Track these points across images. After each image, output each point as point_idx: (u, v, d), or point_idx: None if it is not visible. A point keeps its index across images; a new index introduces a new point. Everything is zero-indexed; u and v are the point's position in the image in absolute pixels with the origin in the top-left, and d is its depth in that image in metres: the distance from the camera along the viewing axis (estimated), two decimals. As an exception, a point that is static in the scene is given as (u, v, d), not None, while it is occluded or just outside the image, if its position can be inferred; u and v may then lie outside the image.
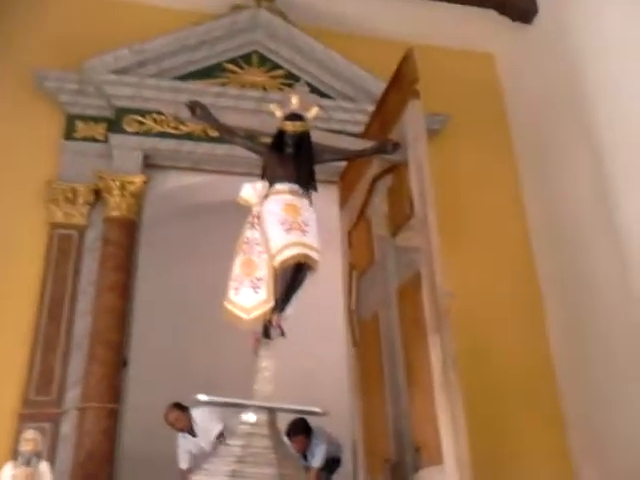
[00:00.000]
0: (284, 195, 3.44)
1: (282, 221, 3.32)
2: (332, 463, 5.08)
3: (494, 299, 5.35)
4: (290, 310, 3.41)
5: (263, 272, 3.27)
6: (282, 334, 3.32)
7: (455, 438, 3.07)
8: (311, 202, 3.54)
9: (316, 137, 3.76)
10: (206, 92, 5.40)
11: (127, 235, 4.95)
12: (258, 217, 3.41)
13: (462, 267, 5.35)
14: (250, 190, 3.50)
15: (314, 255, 3.32)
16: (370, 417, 4.25)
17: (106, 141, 5.21)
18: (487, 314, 5.25)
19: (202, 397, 3.05)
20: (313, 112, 3.64)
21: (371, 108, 4.91)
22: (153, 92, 5.30)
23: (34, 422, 4.15)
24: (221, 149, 5.22)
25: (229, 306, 3.27)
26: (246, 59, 5.80)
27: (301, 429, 4.88)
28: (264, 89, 5.67)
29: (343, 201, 5.34)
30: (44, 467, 3.77)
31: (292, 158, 3.53)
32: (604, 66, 5.06)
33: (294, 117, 3.56)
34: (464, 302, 5.08)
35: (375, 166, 4.62)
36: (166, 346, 5.64)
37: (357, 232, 4.94)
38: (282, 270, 3.28)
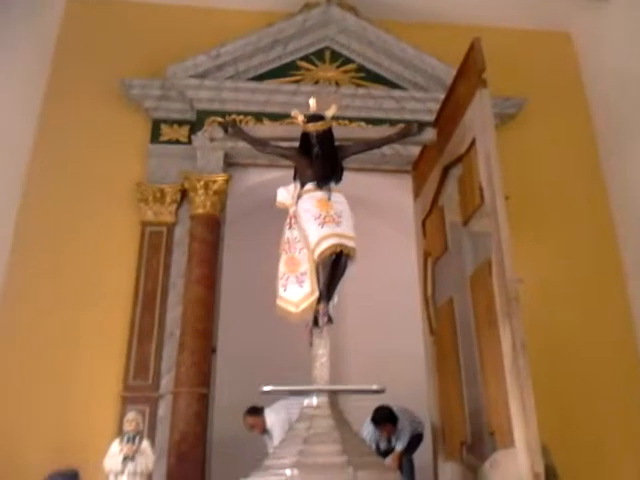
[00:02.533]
0: (315, 192, 3.71)
1: (316, 216, 3.58)
2: (414, 441, 5.16)
3: (576, 286, 5.28)
4: (336, 298, 3.63)
5: (305, 267, 3.53)
6: (330, 321, 3.52)
7: (525, 423, 3.12)
8: (341, 192, 3.78)
9: (342, 133, 4.09)
10: (281, 90, 5.63)
11: (212, 231, 5.23)
12: (295, 217, 3.71)
13: (542, 253, 5.32)
14: (284, 193, 3.83)
15: (349, 243, 3.55)
16: (447, 401, 4.35)
17: (189, 143, 5.51)
18: (568, 301, 5.19)
19: (266, 388, 3.29)
20: (332, 110, 3.87)
21: (443, 96, 4.94)
22: (231, 94, 5.57)
23: (134, 404, 4.50)
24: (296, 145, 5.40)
25: (280, 303, 3.57)
26: (318, 55, 5.94)
27: (388, 418, 5.03)
28: (337, 84, 5.80)
29: (417, 190, 5.43)
30: (146, 445, 4.12)
31: (319, 157, 3.80)
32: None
33: (314, 118, 3.82)
34: (544, 288, 5.12)
35: (446, 155, 4.68)
36: (251, 334, 5.94)
37: (431, 220, 5.02)
38: (322, 262, 3.51)
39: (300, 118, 3.85)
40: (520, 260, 4.85)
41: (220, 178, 5.33)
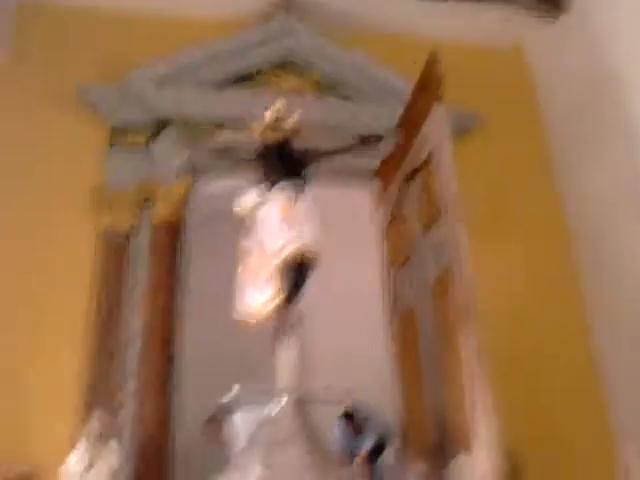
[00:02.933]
0: (277, 197, 3.75)
1: (278, 222, 3.61)
2: (381, 445, 5.24)
3: (534, 294, 5.40)
4: (299, 305, 3.66)
5: (267, 273, 3.54)
6: (294, 327, 3.57)
7: (485, 427, 3.24)
8: (303, 199, 3.82)
9: (302, 142, 4.16)
10: (241, 99, 5.64)
11: (172, 238, 5.21)
12: (256, 222, 3.75)
13: (502, 263, 5.42)
14: (245, 200, 3.87)
15: (312, 249, 3.59)
16: (411, 406, 4.47)
17: (148, 149, 5.45)
18: (526, 308, 5.30)
19: (234, 387, 3.38)
20: (291, 121, 4.00)
21: (399, 109, 5.03)
22: (191, 100, 5.55)
23: (99, 407, 4.40)
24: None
25: (241, 310, 3.60)
26: (279, 65, 5.96)
27: (356, 417, 5.14)
28: (297, 94, 5.84)
29: (379, 198, 5.53)
30: (108, 449, 4.08)
31: (280, 164, 3.88)
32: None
33: (274, 128, 3.97)
34: (501, 296, 5.27)
35: (405, 166, 4.80)
36: (215, 340, 5.92)
37: (393, 228, 5.13)
38: (285, 267, 3.53)
39: (259, 128, 3.97)
40: (479, 269, 5.06)
41: (180, 185, 5.31)
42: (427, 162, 4.41)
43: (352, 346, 6.09)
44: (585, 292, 5.59)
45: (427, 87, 4.44)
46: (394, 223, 5.02)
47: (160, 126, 5.52)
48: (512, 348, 4.87)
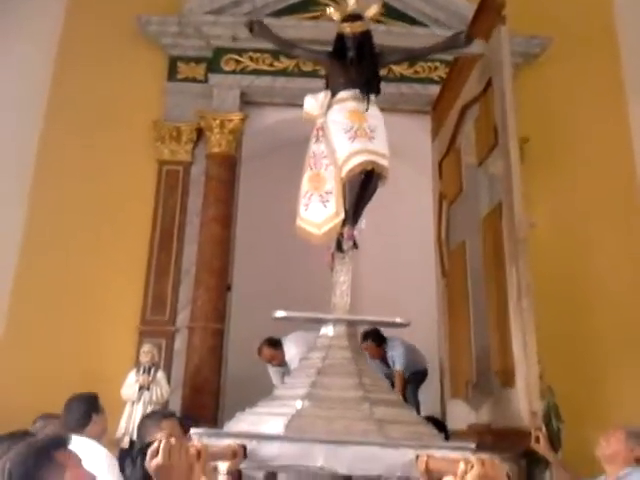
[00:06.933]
0: (347, 102, 3.21)
1: (347, 129, 3.13)
2: (418, 375, 5.19)
3: (592, 231, 5.21)
4: (363, 222, 3.22)
5: (331, 185, 3.12)
6: (355, 246, 3.15)
7: (526, 364, 3.16)
8: (374, 108, 3.27)
9: (382, 39, 3.64)
10: (300, 26, 5.50)
11: (228, 170, 5.27)
12: (322, 129, 3.22)
13: (560, 197, 5.25)
14: (312, 102, 3.31)
15: (382, 162, 3.12)
16: (455, 341, 4.42)
17: (206, 81, 5.48)
18: (585, 243, 5.15)
19: (280, 313, 2.96)
20: (373, 10, 3.35)
21: (466, 34, 4.77)
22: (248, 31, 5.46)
23: (151, 338, 4.67)
24: (314, 83, 5.31)
25: (301, 224, 3.18)
26: (341, -10, 5.77)
27: (370, 336, 4.94)
28: (356, 20, 5.64)
29: (435, 132, 5.35)
30: (160, 376, 4.30)
31: (355, 63, 3.29)
32: None
33: (352, 18, 3.29)
34: (566, 230, 5.09)
35: (464, 95, 4.58)
36: (268, 272, 6.03)
37: (447, 162, 4.96)
38: (350, 181, 3.09)
39: (336, 17, 3.35)
40: (536, 203, 4.87)
41: (236, 117, 5.33)
42: (486, 90, 4.17)
43: (402, 279, 6.04)
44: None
45: (489, 10, 4.16)
46: (450, 155, 4.84)
47: (218, 57, 5.51)
48: (563, 281, 4.72)
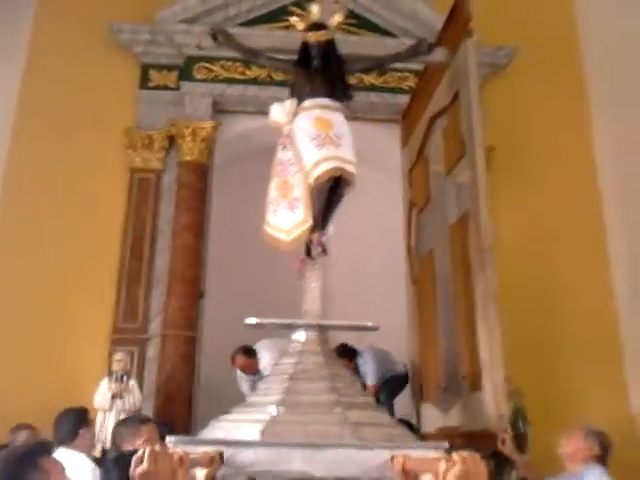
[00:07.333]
0: (314, 110, 3.26)
1: (313, 136, 3.16)
2: (394, 380, 5.11)
3: (558, 236, 5.34)
4: (331, 228, 3.28)
5: (299, 192, 3.14)
6: (324, 252, 3.19)
7: (493, 368, 3.26)
8: (341, 116, 3.33)
9: (347, 48, 3.68)
10: (272, 36, 5.56)
11: (200, 178, 5.29)
12: (289, 137, 3.25)
13: (527, 206, 5.38)
14: (278, 110, 3.34)
15: (350, 168, 3.15)
16: (425, 346, 4.52)
17: (178, 89, 5.50)
18: (550, 251, 5.29)
19: (252, 320, 2.99)
20: (336, 19, 3.43)
21: (433, 45, 4.88)
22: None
23: (123, 346, 4.66)
24: (286, 92, 5.35)
25: (269, 229, 3.22)
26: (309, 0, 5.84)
27: (342, 352, 4.83)
28: (328, 30, 5.72)
29: (405, 140, 5.46)
30: (133, 384, 4.30)
31: (320, 71, 3.35)
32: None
33: (316, 27, 3.36)
34: (532, 238, 5.22)
35: (433, 106, 4.69)
36: (240, 279, 6.05)
37: (417, 171, 5.07)
38: (318, 187, 3.12)
39: (300, 26, 3.42)
40: (503, 211, 5.00)
41: (208, 125, 5.36)
42: (454, 101, 4.29)
43: (373, 285, 6.12)
44: (610, 238, 5.42)
45: (457, 22, 4.28)
46: (419, 164, 4.95)
47: (190, 65, 5.54)
48: (530, 288, 4.85)
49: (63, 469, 1.82)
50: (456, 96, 4.22)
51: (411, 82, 5.57)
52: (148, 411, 4.48)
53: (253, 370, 4.99)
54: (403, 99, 5.46)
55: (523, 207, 5.38)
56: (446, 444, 2.42)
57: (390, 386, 5.09)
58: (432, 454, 2.29)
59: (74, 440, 3.06)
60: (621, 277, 5.28)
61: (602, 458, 3.03)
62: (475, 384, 3.47)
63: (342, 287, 5.74)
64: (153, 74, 5.57)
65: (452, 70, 4.29)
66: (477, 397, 3.43)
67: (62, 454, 2.79)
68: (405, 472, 2.30)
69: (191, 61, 5.53)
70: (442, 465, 1.77)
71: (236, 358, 5.02)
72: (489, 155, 4.74)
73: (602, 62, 5.86)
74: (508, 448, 3.10)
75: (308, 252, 3.20)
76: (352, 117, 5.34)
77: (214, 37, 3.84)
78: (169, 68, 5.59)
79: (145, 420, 3.04)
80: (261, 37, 5.50)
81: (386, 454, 2.40)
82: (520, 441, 3.51)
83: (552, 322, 5.01)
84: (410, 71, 5.56)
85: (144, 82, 5.54)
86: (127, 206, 5.15)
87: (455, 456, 1.76)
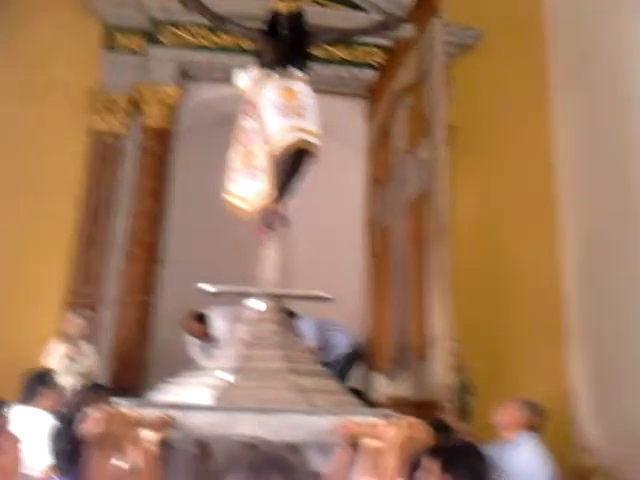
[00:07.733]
0: (280, 80, 3.27)
1: (278, 107, 3.16)
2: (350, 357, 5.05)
3: (512, 217, 5.45)
4: (293, 199, 3.28)
5: (261, 161, 3.13)
6: (285, 223, 3.21)
7: (440, 341, 3.37)
8: (307, 86, 3.35)
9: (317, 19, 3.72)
10: (239, 2, 5.48)
11: (163, 144, 5.25)
12: (253, 105, 3.24)
13: (487, 184, 5.49)
14: (243, 77, 3.39)
15: (313, 140, 3.15)
16: (378, 319, 4.62)
17: (144, 53, 5.40)
18: (503, 230, 5.40)
19: (208, 287, 3.02)
20: None
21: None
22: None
23: (78, 309, 4.62)
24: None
25: (230, 198, 3.23)
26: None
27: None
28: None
29: (371, 116, 5.50)
30: (87, 347, 4.30)
31: (288, 41, 3.37)
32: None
33: None
34: (481, 218, 5.33)
35: (398, 82, 4.74)
36: (200, 246, 6.03)
37: (381, 146, 5.12)
38: (281, 158, 3.12)
39: None
40: (462, 189, 5.09)
41: (173, 90, 5.30)
42: (419, 79, 4.34)
43: (330, 259, 6.17)
44: (561, 219, 5.57)
45: (426, 0, 4.31)
46: (383, 139, 5.01)
47: (157, 30, 5.44)
48: (481, 266, 4.98)
49: (8, 423, 1.84)
50: (422, 74, 4.28)
51: (378, 57, 5.58)
52: (103, 374, 4.49)
53: (203, 335, 4.98)
54: (371, 74, 5.48)
55: (481, 186, 5.49)
56: (390, 411, 2.52)
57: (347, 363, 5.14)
58: (379, 421, 2.40)
59: (34, 398, 3.16)
60: (570, 259, 5.43)
61: (535, 427, 3.22)
62: (423, 356, 3.59)
63: (303, 259, 5.77)
64: (119, 36, 5.44)
65: (419, 48, 4.34)
66: (424, 368, 3.55)
67: (19, 411, 2.86)
68: (350, 437, 2.40)
69: (158, 25, 5.43)
70: (389, 431, 1.87)
71: (188, 322, 5.01)
72: (452, 134, 4.80)
73: (565, 45, 5.93)
74: (449, 417, 3.24)
75: (269, 222, 3.19)
76: (319, 89, 5.49)
77: (183, 2, 3.82)
78: (135, 31, 5.48)
79: (100, 387, 3.11)
80: (230, 3, 5.44)
81: (334, 420, 2.52)
82: (464, 411, 3.67)
83: (500, 300, 5.14)
84: (378, 46, 5.57)
85: (109, 44, 5.41)
86: (87, 169, 5.06)
87: (402, 421, 1.85)
